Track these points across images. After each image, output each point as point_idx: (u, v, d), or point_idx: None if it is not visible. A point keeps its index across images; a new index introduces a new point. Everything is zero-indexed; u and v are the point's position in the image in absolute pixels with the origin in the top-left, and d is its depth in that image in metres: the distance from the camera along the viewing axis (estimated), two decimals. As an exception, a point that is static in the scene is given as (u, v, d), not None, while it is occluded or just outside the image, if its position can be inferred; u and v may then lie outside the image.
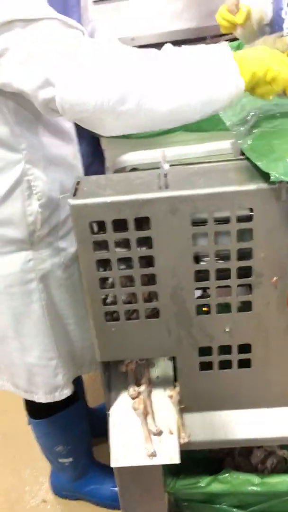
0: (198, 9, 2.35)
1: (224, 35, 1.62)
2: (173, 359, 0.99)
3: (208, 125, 1.16)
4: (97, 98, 0.78)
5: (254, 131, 0.88)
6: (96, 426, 1.47)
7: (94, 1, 1.43)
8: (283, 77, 0.84)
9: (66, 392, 1.21)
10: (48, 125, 1.00)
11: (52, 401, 1.20)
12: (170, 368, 1.02)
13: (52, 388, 1.19)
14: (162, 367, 1.04)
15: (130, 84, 0.79)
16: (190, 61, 0.83)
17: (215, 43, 1.52)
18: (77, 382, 1.31)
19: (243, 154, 0.98)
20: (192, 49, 0.85)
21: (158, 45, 0.88)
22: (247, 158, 0.86)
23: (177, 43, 0.91)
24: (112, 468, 0.98)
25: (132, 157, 1.25)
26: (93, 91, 0.78)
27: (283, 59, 0.86)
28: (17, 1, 0.80)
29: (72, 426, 1.36)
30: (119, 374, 1.02)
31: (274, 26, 1.49)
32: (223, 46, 0.86)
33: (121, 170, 1.26)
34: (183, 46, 0.87)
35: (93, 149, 1.28)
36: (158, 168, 0.95)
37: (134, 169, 1.25)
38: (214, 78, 0.82)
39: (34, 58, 0.80)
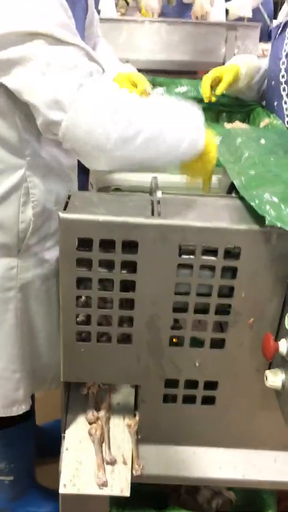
0: (194, 44, 2.41)
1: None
2: (136, 387, 0.97)
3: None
4: (101, 134, 0.81)
5: (249, 171, 0.89)
6: (41, 446, 1.41)
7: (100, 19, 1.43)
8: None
9: (24, 408, 1.16)
10: None
11: (8, 415, 1.15)
12: (132, 396, 1.00)
13: (11, 402, 1.14)
14: (124, 394, 1.01)
15: (136, 126, 0.83)
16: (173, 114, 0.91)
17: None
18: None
19: (231, 191, 1.00)
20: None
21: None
22: (239, 197, 0.86)
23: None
24: (52, 492, 0.93)
25: (118, 178, 1.25)
26: (101, 128, 0.81)
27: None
28: (53, 18, 0.81)
29: (19, 444, 1.30)
30: (79, 396, 0.99)
31: (270, 74, 1.54)
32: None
33: (105, 188, 1.25)
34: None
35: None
36: (142, 192, 0.95)
37: (117, 189, 1.24)
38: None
39: (53, 77, 0.81)
